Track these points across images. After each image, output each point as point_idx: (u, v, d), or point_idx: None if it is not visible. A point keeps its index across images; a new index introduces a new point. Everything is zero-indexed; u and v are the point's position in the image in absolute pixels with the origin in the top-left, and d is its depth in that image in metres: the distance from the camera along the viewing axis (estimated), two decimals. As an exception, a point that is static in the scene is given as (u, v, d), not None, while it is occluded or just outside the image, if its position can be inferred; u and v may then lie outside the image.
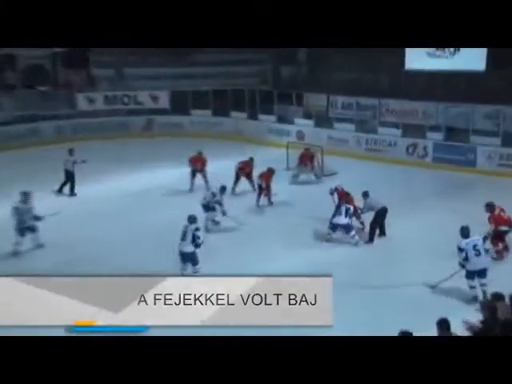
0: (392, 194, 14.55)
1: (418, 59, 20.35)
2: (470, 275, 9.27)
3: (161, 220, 13.39)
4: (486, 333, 5.72)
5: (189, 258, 10.18)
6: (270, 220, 13.79)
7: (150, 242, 12.05)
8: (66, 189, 15.99)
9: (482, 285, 9.23)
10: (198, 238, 10.03)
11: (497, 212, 11.07)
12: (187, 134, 23.09)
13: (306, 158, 17.07)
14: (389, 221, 12.33)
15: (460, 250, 9.35)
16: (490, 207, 11.03)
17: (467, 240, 9.36)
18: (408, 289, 9.85)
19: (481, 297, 9.03)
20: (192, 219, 10.25)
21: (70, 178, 15.85)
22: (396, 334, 5.78)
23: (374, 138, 19.96)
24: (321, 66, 23.06)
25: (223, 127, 23.57)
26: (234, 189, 15.56)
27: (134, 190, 16.10)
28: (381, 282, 10.16)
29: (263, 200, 14.66)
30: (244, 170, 15.98)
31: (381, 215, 12.11)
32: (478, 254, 9.25)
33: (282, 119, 22.61)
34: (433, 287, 9.75)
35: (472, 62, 19.17)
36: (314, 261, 10.76)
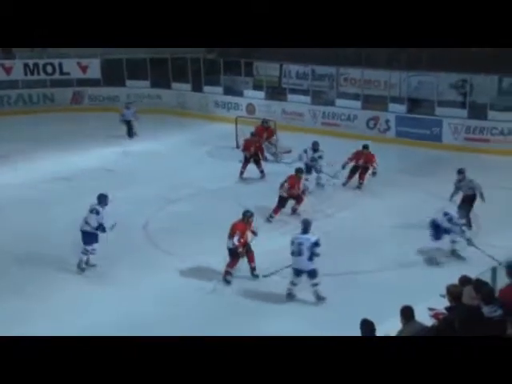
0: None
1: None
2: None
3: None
4: (450, 320, 6.02)
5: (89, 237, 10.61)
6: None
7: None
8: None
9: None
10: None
11: None
12: (122, 108, 22.80)
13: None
14: (354, 200, 12.72)
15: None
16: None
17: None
18: (374, 274, 10.25)
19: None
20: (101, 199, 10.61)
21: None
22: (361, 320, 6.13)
23: (332, 110, 20.26)
24: (272, 30, 23.09)
25: (164, 100, 23.44)
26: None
27: (60, 173, 15.92)
28: (344, 267, 10.50)
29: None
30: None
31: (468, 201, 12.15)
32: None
33: (229, 91, 22.64)
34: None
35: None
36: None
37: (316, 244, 9.17)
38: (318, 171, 14.87)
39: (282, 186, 12.85)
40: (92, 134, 19.17)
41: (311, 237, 9.26)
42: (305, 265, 9.25)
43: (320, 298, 9.38)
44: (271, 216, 12.79)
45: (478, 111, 18.07)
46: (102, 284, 10.30)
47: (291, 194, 12.95)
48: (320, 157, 14.85)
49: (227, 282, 10.13)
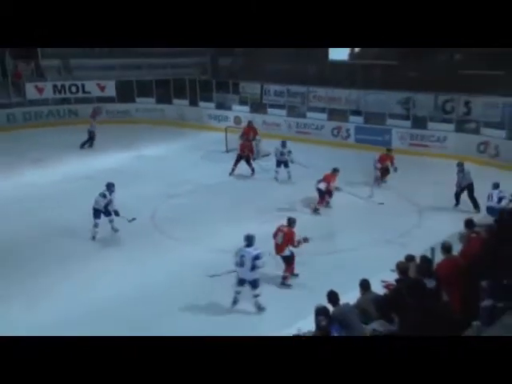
0: (320, 172, 14.89)
1: (340, 51, 20.66)
2: None
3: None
4: (399, 289, 6.03)
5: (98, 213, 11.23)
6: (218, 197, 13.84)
7: (102, 222, 11.91)
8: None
9: None
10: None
11: None
12: (133, 120, 22.73)
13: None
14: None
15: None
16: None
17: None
18: (339, 254, 10.27)
19: None
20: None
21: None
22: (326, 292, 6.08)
23: (303, 121, 20.25)
24: (255, 57, 23.00)
25: (166, 113, 23.29)
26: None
27: (85, 173, 15.75)
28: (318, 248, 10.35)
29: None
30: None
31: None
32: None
33: (220, 106, 22.52)
34: None
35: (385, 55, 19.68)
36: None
37: (257, 257, 8.33)
38: (288, 165, 14.89)
39: (319, 181, 12.54)
40: (108, 142, 18.96)
41: (253, 250, 8.39)
42: (247, 275, 8.45)
43: (260, 309, 8.51)
44: (316, 208, 12.42)
45: (419, 122, 18.16)
46: (117, 263, 10.24)
47: (383, 167, 13.40)
48: (289, 151, 14.90)
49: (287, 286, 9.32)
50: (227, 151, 17.88)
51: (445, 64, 19.38)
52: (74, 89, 23.39)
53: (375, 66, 20.74)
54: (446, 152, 16.90)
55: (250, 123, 18.05)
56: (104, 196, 11.24)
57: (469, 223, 7.69)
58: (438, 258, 6.94)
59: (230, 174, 15.60)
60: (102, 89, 23.58)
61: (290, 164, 14.95)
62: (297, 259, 9.52)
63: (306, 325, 5.88)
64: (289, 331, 5.94)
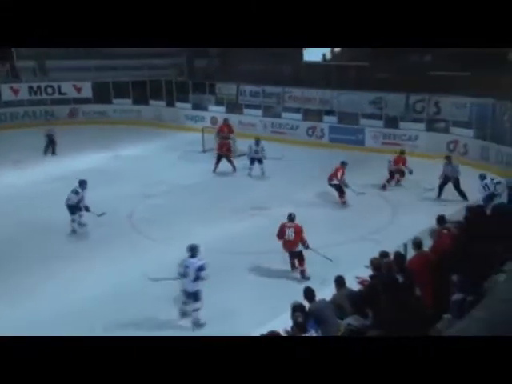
0: (295, 171, 14.98)
1: (314, 52, 20.74)
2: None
3: (88, 201, 13.06)
4: (373, 285, 6.08)
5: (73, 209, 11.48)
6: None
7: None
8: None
9: None
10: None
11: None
12: (110, 121, 22.47)
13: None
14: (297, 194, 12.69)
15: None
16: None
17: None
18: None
19: None
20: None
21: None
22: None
23: (279, 121, 20.26)
24: (231, 58, 22.96)
25: (143, 114, 23.08)
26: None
27: (63, 173, 15.47)
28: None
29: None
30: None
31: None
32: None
33: (196, 106, 22.40)
34: None
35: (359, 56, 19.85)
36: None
37: (201, 268, 7.98)
38: (261, 162, 15.16)
39: (331, 178, 12.72)
40: (85, 142, 18.70)
41: (197, 261, 8.03)
42: (189, 286, 8.06)
43: (198, 325, 8.04)
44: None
45: (391, 122, 18.34)
46: (95, 263, 10.09)
47: (398, 169, 13.85)
48: (262, 148, 15.19)
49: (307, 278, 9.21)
50: (204, 151, 17.83)
51: (415, 65, 19.62)
52: (50, 90, 23.04)
53: (349, 67, 20.88)
54: (417, 150, 17.11)
55: (225, 120, 18.16)
56: (76, 193, 11.48)
57: (440, 219, 7.80)
58: (411, 253, 7.03)
59: (214, 170, 15.69)
60: (79, 90, 23.26)
61: (263, 160, 15.11)
62: (267, 257, 9.53)
63: (281, 322, 5.87)
64: (264, 329, 5.93)
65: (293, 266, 9.57)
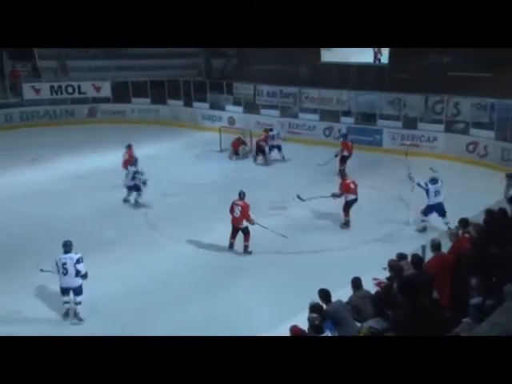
0: (312, 172, 14.88)
1: (332, 53, 20.62)
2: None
3: (105, 199, 13.20)
4: (390, 288, 5.99)
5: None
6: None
7: (96, 220, 11.84)
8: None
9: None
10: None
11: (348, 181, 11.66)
12: (128, 120, 22.60)
13: (238, 145, 17.61)
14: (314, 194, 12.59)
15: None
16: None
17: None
18: (332, 252, 10.14)
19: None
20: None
21: None
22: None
23: (296, 122, 20.19)
24: (248, 59, 22.97)
25: (161, 114, 23.16)
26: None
27: (77, 172, 15.64)
28: (306, 247, 10.37)
29: None
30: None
31: None
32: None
33: (214, 106, 22.42)
34: None
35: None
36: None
37: (78, 261, 8.03)
38: (280, 149, 16.46)
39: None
40: (103, 141, 18.83)
41: (74, 255, 8.07)
42: (72, 282, 8.09)
43: (79, 319, 8.15)
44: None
45: (410, 123, 18.14)
46: (111, 260, 10.11)
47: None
48: (278, 134, 16.81)
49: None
50: (221, 151, 17.85)
51: (435, 66, 19.41)
52: (70, 89, 23.27)
53: (367, 68, 20.73)
54: (435, 152, 16.92)
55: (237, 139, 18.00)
56: (135, 172, 12.76)
57: (463, 222, 7.61)
58: (429, 256, 6.92)
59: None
60: (98, 89, 23.46)
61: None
62: (284, 257, 9.48)
63: (297, 323, 5.81)
64: (279, 330, 5.88)
65: (231, 245, 10.30)
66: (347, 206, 11.51)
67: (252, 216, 10.16)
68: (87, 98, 23.44)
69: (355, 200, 11.50)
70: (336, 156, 15.23)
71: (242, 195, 10.32)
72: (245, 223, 10.16)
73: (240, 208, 10.08)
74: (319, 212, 12.17)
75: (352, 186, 11.52)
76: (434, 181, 10.88)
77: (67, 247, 8.19)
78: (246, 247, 10.25)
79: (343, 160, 15.22)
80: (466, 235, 7.28)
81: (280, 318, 6.81)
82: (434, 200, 10.74)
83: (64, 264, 8.07)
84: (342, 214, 11.45)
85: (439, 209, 10.78)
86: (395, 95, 18.33)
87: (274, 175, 15.18)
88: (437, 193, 10.78)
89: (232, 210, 10.20)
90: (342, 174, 12.85)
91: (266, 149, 16.88)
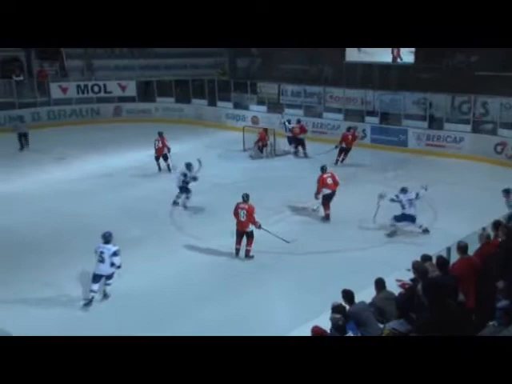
0: (336, 170, 14.74)
1: (356, 53, 20.46)
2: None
3: (131, 197, 13.33)
4: (413, 289, 5.91)
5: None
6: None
7: (122, 218, 11.95)
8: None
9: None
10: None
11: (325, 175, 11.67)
12: (153, 119, 22.80)
13: (265, 137, 17.81)
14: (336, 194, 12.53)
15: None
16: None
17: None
18: (352, 252, 10.04)
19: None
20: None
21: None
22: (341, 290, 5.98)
23: (320, 121, 20.10)
24: (272, 58, 22.95)
25: (185, 113, 23.30)
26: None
27: (103, 170, 15.83)
28: (328, 247, 10.29)
29: None
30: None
31: None
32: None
33: (238, 106, 22.45)
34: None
35: (404, 55, 19.47)
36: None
37: (115, 254, 8.37)
38: (304, 146, 17.12)
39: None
40: (129, 140, 19.03)
41: (112, 247, 8.42)
42: (105, 270, 8.47)
43: (106, 296, 8.71)
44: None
45: (435, 123, 17.91)
46: (135, 258, 10.17)
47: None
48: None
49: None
50: (244, 150, 17.86)
51: (461, 65, 19.10)
52: (96, 88, 23.56)
53: (392, 67, 20.51)
54: (462, 152, 16.66)
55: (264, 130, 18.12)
56: (184, 175, 12.65)
57: (496, 224, 7.41)
58: (454, 258, 6.80)
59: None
60: (123, 89, 23.72)
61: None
62: (305, 258, 9.41)
63: (319, 324, 5.77)
64: (301, 330, 5.85)
65: (237, 251, 9.92)
66: (324, 200, 11.57)
67: (257, 219, 9.86)
68: (113, 97, 23.70)
69: (332, 194, 11.59)
70: (336, 147, 16.02)
71: (245, 198, 9.95)
72: (251, 227, 9.83)
73: (245, 211, 9.72)
74: (345, 210, 12.08)
75: (329, 180, 11.58)
76: (404, 191, 10.80)
77: (106, 238, 8.54)
78: (247, 252, 9.91)
79: (341, 152, 16.04)
80: (498, 239, 7.12)
81: (301, 319, 6.77)
82: (408, 211, 10.67)
83: (102, 253, 8.45)
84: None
85: (411, 219, 10.77)
86: (421, 95, 18.11)
87: (297, 173, 15.09)
88: (410, 203, 10.67)
89: (237, 214, 9.86)
90: (325, 169, 12.11)
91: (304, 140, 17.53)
